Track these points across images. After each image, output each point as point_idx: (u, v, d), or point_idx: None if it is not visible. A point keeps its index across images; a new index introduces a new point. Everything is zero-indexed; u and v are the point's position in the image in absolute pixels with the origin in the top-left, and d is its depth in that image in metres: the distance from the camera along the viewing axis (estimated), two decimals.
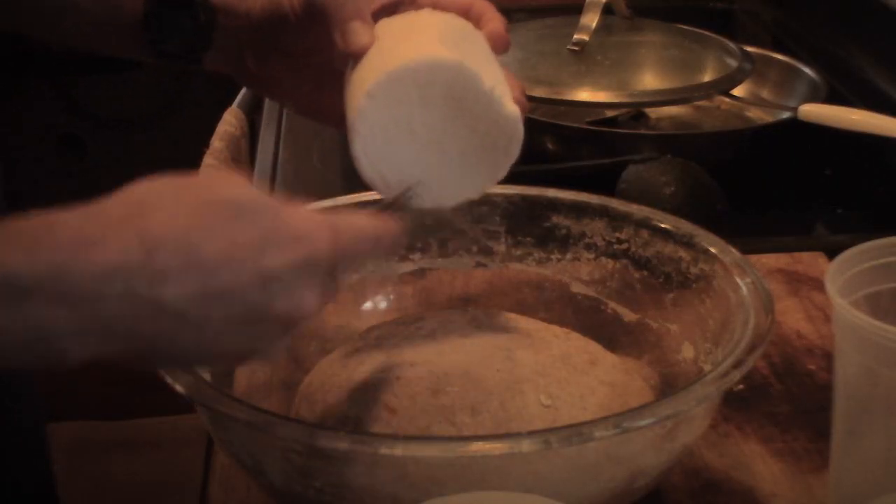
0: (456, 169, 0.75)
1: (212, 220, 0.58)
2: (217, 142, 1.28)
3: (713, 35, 1.39)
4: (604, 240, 0.87)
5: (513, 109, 0.73)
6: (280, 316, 0.60)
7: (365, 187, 0.79)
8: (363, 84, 0.72)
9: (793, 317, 0.96)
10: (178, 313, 0.57)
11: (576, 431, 0.65)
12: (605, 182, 1.09)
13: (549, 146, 1.24)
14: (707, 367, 0.77)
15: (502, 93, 0.73)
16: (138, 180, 0.60)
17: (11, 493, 0.90)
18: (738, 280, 0.78)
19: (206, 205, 0.58)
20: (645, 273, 0.86)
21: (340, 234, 0.62)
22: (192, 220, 0.57)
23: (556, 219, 0.88)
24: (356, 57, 0.74)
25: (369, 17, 0.75)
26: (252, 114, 1.42)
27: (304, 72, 0.82)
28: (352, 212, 0.68)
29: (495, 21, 0.78)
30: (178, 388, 0.68)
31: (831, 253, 0.77)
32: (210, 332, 0.59)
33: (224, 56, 0.83)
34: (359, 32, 0.74)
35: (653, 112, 1.34)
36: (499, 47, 0.78)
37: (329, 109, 0.80)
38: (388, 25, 0.76)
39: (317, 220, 0.61)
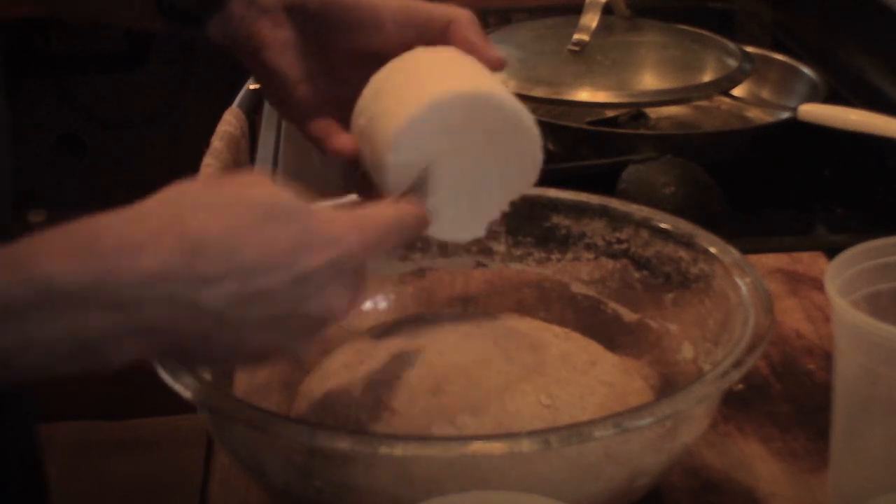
0: (489, 187, 0.76)
1: (249, 222, 0.59)
2: (217, 142, 1.28)
3: (713, 35, 1.39)
4: (604, 240, 0.87)
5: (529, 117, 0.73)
6: (312, 315, 0.62)
7: None
8: (390, 126, 0.72)
9: (793, 317, 0.96)
10: (215, 314, 0.59)
11: (576, 431, 0.65)
12: (605, 182, 1.09)
13: (549, 146, 1.24)
14: (707, 367, 0.77)
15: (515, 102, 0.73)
16: (173, 184, 0.61)
17: (2, 499, 0.89)
18: (738, 280, 0.78)
19: (243, 207, 0.60)
20: (645, 273, 0.86)
21: (366, 231, 0.64)
22: (230, 222, 0.59)
23: (556, 219, 0.88)
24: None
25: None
26: (252, 114, 1.42)
27: (317, 62, 0.80)
28: (374, 204, 0.69)
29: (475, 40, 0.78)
30: (179, 388, 0.68)
31: (831, 253, 0.77)
32: (245, 331, 0.61)
33: (231, 24, 0.79)
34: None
35: (653, 112, 1.34)
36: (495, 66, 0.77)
37: (315, 107, 0.80)
38: (391, 71, 0.75)
39: (344, 220, 0.63)
